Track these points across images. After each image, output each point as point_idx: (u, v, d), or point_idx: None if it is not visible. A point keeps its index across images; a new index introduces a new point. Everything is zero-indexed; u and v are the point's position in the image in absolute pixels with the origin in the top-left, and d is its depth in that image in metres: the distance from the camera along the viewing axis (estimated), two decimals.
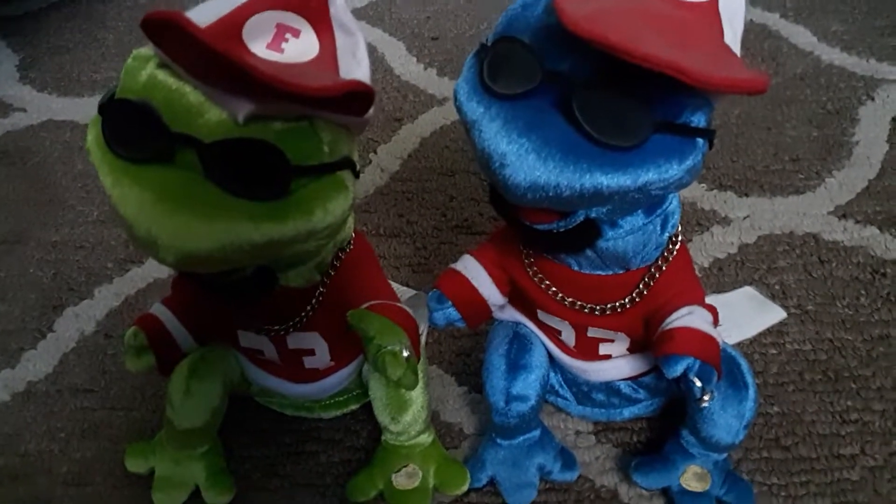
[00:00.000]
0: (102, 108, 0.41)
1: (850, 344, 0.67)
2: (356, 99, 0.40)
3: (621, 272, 0.50)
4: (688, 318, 0.49)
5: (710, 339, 0.48)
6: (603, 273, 0.50)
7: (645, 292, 0.50)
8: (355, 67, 0.44)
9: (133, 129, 0.40)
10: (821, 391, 0.63)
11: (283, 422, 0.64)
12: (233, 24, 0.39)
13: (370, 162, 0.89)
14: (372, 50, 1.07)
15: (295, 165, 0.40)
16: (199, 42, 0.34)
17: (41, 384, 0.69)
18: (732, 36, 0.43)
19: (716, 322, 0.52)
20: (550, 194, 0.39)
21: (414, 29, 1.12)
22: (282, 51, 0.41)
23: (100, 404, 0.67)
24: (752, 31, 1.05)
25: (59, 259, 0.81)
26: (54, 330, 0.73)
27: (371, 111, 0.44)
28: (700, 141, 0.41)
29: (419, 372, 0.56)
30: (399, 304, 0.53)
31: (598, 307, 0.52)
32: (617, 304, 0.51)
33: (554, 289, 0.52)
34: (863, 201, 0.80)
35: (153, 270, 0.78)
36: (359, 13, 1.15)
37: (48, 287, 0.78)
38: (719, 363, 0.48)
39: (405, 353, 0.47)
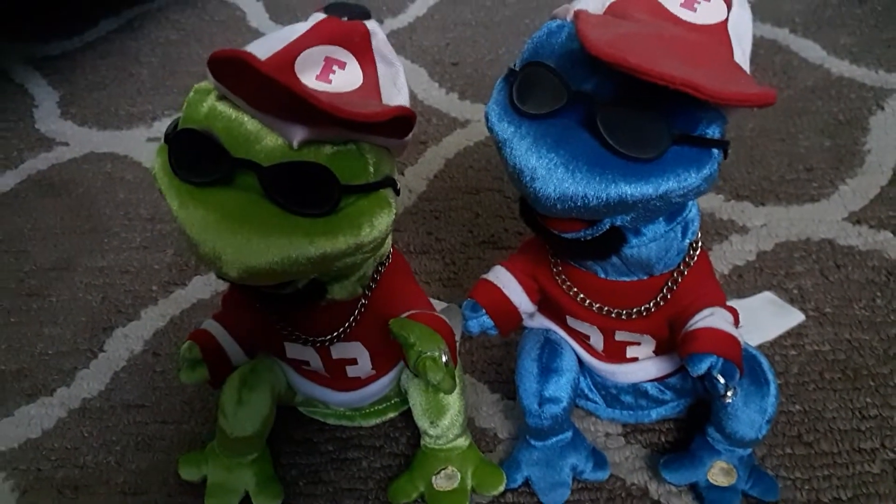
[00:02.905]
0: (168, 138, 0.45)
1: (867, 343, 0.69)
2: (400, 123, 0.44)
3: (645, 278, 0.53)
4: (710, 318, 0.52)
5: (732, 338, 0.51)
6: (628, 279, 0.53)
7: (668, 296, 0.53)
8: (396, 94, 0.48)
9: (197, 155, 0.44)
10: (840, 389, 0.66)
11: (325, 431, 0.68)
12: (286, 59, 0.43)
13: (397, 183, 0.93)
14: None
15: (344, 185, 0.44)
16: (265, 77, 0.37)
17: (95, 401, 0.73)
18: (742, 54, 0.46)
19: (736, 322, 0.55)
20: (579, 204, 0.42)
21: (434, 56, 1.16)
22: (330, 81, 0.45)
23: (151, 418, 0.71)
24: (763, 47, 1.09)
25: (107, 283, 0.85)
26: (105, 350, 0.77)
27: (411, 134, 0.48)
28: (715, 151, 0.44)
29: (456, 377, 0.59)
30: (436, 314, 0.56)
31: (624, 312, 0.55)
32: (642, 308, 0.54)
33: (582, 295, 0.55)
34: (876, 207, 0.83)
35: (196, 292, 0.82)
36: None
37: (97, 310, 0.82)
38: (741, 361, 0.50)
39: (444, 359, 0.50)
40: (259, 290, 0.49)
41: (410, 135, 0.48)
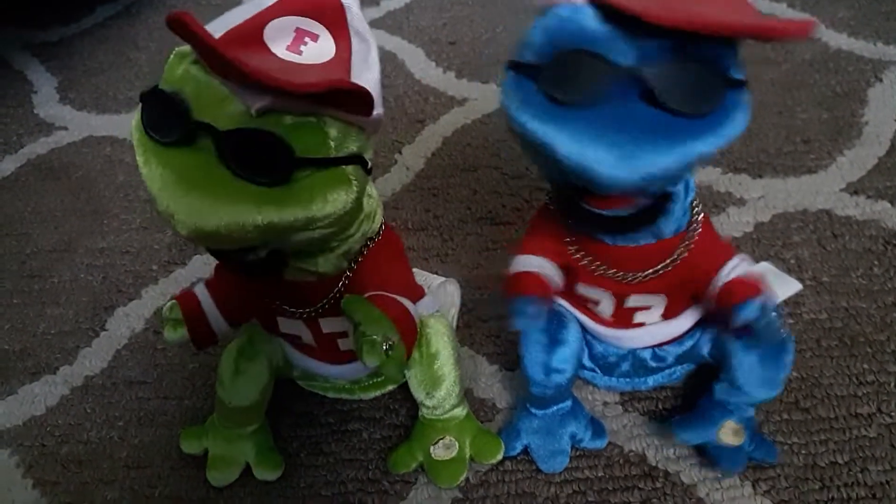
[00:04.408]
0: (143, 96, 0.45)
1: (864, 311, 0.69)
2: (355, 98, 0.43)
3: (654, 241, 0.52)
4: (739, 268, 0.53)
5: (762, 280, 0.52)
6: (635, 244, 0.52)
7: (685, 254, 0.53)
8: (365, 71, 0.47)
9: (163, 115, 0.43)
10: (837, 356, 0.66)
11: (325, 404, 0.68)
12: (254, 27, 0.43)
13: (396, 162, 0.93)
14: (392, 57, 1.11)
15: (299, 157, 0.43)
16: (197, 38, 0.38)
17: (98, 378, 0.73)
18: None
19: None
20: (659, 176, 0.41)
21: (432, 35, 1.16)
22: (300, 53, 0.44)
23: (153, 394, 0.71)
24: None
25: (108, 264, 0.86)
26: (107, 329, 0.78)
27: (378, 112, 0.47)
28: (746, 90, 0.43)
29: (448, 349, 0.60)
30: (399, 299, 0.54)
31: (639, 274, 0.54)
32: (659, 267, 0.54)
33: (597, 262, 0.55)
34: (874, 177, 0.83)
35: (196, 271, 0.83)
36: (378, 22, 1.20)
37: (98, 290, 0.83)
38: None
39: (385, 346, 0.48)
40: (221, 254, 0.49)
41: (376, 113, 0.47)
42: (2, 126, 1.10)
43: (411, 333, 0.53)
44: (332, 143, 0.45)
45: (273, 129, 0.43)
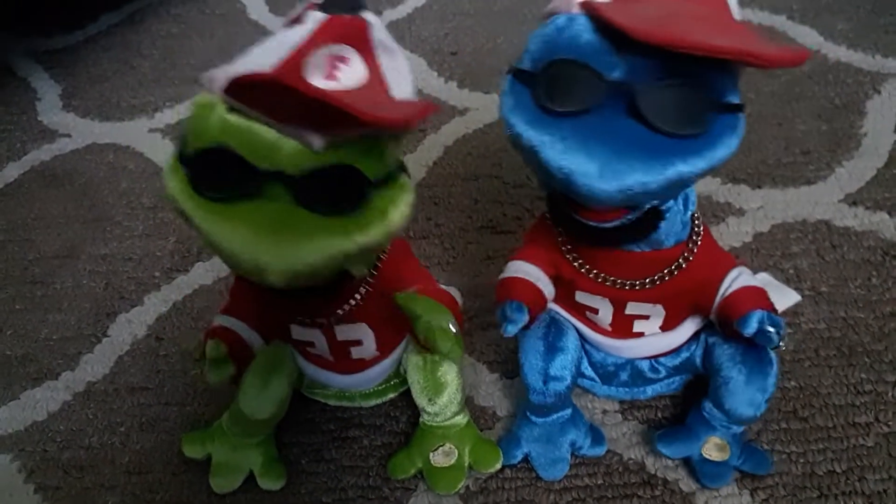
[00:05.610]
0: (184, 159, 0.45)
1: (862, 321, 0.70)
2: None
3: (653, 250, 0.53)
4: (740, 279, 0.54)
5: (764, 291, 0.54)
6: (633, 252, 0.53)
7: (684, 265, 0.54)
8: (403, 83, 0.47)
9: (222, 172, 0.43)
10: (835, 365, 0.66)
11: (326, 411, 0.68)
12: (294, 65, 0.43)
13: None
14: None
15: (372, 180, 0.44)
16: (307, 95, 0.38)
17: (100, 384, 0.74)
18: (739, 17, 0.46)
19: None
20: (639, 192, 0.42)
21: (433, 45, 1.17)
22: (337, 80, 0.44)
23: (155, 400, 0.72)
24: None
25: (110, 270, 0.86)
26: (109, 335, 0.79)
27: None
28: (742, 115, 0.44)
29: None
30: (440, 287, 0.57)
31: (637, 282, 0.55)
32: (656, 277, 0.54)
33: (595, 270, 0.55)
34: (872, 189, 0.83)
35: (198, 278, 0.83)
36: None
37: (101, 296, 0.83)
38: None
39: (453, 329, 0.52)
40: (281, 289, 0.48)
41: None
42: (6, 133, 1.10)
43: (459, 315, 0.57)
44: (389, 159, 0.46)
45: (344, 161, 0.43)
